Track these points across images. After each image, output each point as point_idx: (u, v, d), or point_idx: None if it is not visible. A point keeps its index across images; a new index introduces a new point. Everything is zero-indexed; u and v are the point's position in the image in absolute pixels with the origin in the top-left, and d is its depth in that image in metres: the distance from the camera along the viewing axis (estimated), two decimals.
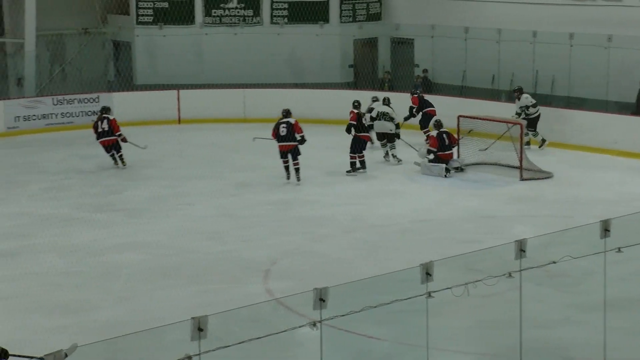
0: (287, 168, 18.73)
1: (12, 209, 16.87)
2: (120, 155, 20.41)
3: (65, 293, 12.60)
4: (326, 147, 21.51)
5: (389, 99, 20.94)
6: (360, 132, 19.38)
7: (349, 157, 19.29)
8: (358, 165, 19.38)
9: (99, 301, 12.29)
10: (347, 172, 19.23)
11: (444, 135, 19.26)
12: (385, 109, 20.57)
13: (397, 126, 20.33)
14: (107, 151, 20.39)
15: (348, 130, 19.38)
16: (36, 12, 25.01)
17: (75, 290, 12.70)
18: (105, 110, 20.80)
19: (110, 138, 20.32)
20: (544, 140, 21.07)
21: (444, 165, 18.94)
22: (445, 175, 18.85)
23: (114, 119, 20.59)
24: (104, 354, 8.50)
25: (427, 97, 22.38)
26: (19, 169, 20.19)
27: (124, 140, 20.35)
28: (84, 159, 20.97)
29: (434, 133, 19.40)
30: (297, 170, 18.71)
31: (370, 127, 20.16)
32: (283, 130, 18.57)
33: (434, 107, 21.81)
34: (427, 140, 19.94)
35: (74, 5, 26.99)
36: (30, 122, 23.70)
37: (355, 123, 19.35)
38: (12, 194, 18.02)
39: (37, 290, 12.68)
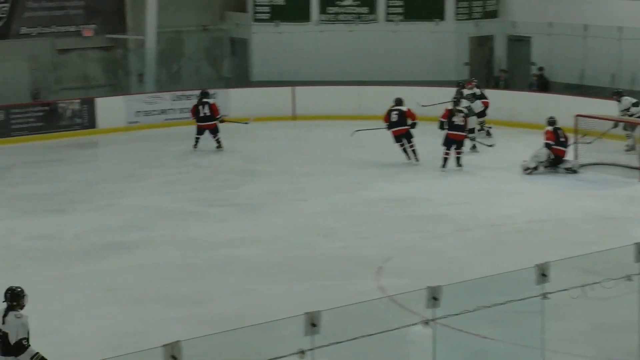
0: (404, 150, 19.74)
1: (132, 202, 17.26)
2: (218, 139, 21.28)
3: (182, 285, 12.81)
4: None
5: (460, 91, 21.45)
6: (450, 129, 19.32)
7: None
8: (460, 162, 19.37)
9: (215, 294, 12.47)
10: (441, 167, 19.31)
11: (559, 132, 19.08)
12: (466, 102, 20.78)
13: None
14: (200, 133, 21.28)
15: (440, 127, 19.54)
16: (157, 9, 25.57)
17: (192, 283, 12.90)
18: (205, 94, 21.54)
19: (211, 122, 21.27)
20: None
21: (526, 164, 18.71)
22: (524, 172, 18.70)
23: (214, 103, 21.50)
24: (218, 347, 8.62)
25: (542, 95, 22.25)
26: (138, 163, 20.67)
27: (223, 121, 21.39)
28: (201, 153, 21.33)
29: (550, 128, 19.19)
30: (413, 151, 19.71)
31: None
32: (394, 117, 19.68)
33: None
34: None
35: (194, 2, 27.50)
36: (150, 117, 24.24)
37: (445, 120, 19.41)
38: (132, 187, 18.43)
39: (154, 282, 12.93)
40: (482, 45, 27.61)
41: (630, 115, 20.70)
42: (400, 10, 27.10)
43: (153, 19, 25.58)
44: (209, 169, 20.03)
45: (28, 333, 8.73)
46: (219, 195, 17.72)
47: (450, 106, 19.54)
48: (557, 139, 18.99)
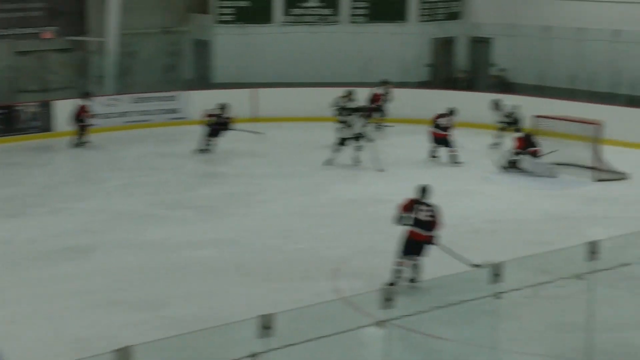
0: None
1: (89, 205, 17.10)
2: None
3: (139, 289, 12.72)
4: (402, 145, 21.56)
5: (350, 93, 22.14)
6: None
7: None
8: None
9: (172, 297, 12.37)
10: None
11: (530, 138, 19.30)
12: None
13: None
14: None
15: None
16: (119, 11, 25.42)
17: (149, 286, 12.81)
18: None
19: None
20: None
21: (550, 165, 18.81)
22: (552, 175, 18.71)
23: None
24: (172, 350, 8.56)
25: (500, 96, 22.49)
26: (96, 166, 20.53)
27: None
28: (160, 156, 21.22)
29: (521, 135, 19.41)
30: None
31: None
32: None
33: None
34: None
35: (156, 4, 27.36)
36: (109, 119, 24.06)
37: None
38: (89, 190, 18.26)
39: (112, 286, 12.80)
40: (444, 46, 27.72)
41: (513, 118, 21.02)
42: (363, 11, 27.15)
43: (114, 21, 25.44)
44: (168, 171, 19.91)
45: None
46: (177, 198, 17.63)
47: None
48: (526, 147, 19.10)
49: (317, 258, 13.85)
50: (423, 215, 12.40)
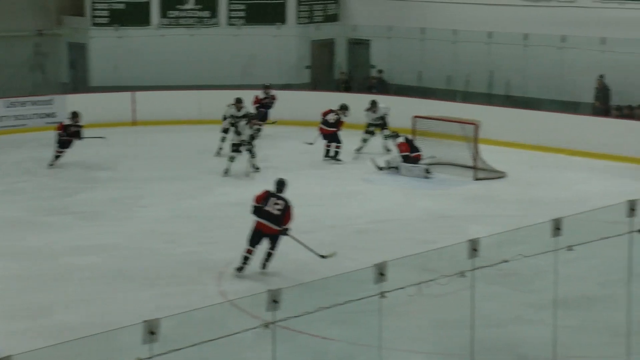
0: None
1: None
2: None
3: (19, 297, 12.48)
4: (285, 148, 21.63)
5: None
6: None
7: None
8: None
9: (54, 305, 12.19)
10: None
11: (410, 141, 19.63)
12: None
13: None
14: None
15: None
16: None
17: (29, 294, 12.58)
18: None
19: None
20: None
21: (424, 167, 19.08)
22: (427, 176, 18.96)
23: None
24: (57, 358, 8.41)
25: (382, 97, 22.70)
26: None
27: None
28: (37, 162, 20.74)
29: (402, 139, 19.69)
30: None
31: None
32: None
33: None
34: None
35: (28, 6, 26.75)
36: None
37: None
38: None
39: None
40: (323, 48, 27.92)
41: (383, 120, 21.43)
42: (242, 14, 27.12)
43: None
44: (47, 177, 19.51)
45: None
46: (57, 204, 17.32)
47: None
48: (411, 150, 19.44)
49: (203, 262, 13.81)
50: (274, 208, 13.15)
